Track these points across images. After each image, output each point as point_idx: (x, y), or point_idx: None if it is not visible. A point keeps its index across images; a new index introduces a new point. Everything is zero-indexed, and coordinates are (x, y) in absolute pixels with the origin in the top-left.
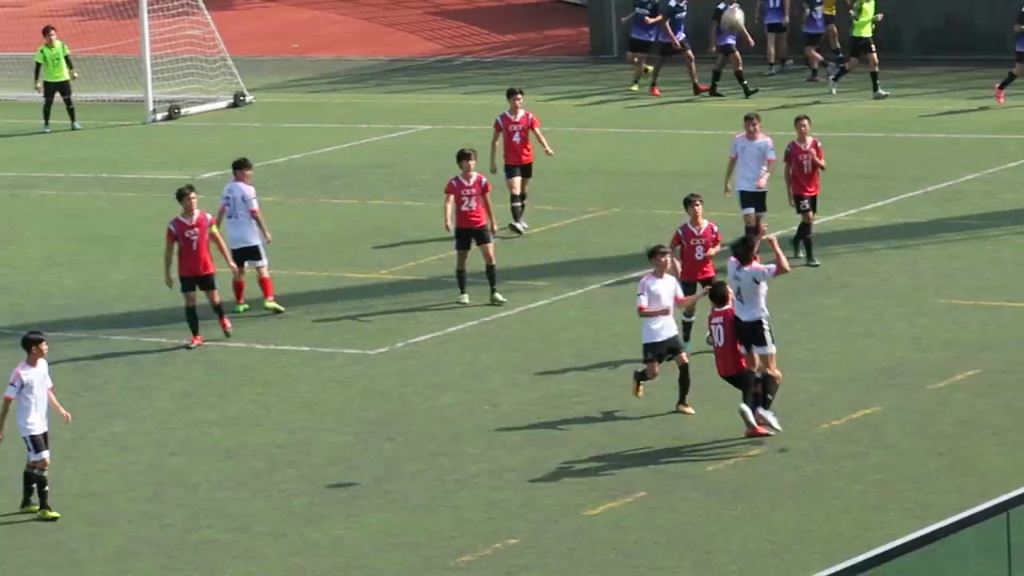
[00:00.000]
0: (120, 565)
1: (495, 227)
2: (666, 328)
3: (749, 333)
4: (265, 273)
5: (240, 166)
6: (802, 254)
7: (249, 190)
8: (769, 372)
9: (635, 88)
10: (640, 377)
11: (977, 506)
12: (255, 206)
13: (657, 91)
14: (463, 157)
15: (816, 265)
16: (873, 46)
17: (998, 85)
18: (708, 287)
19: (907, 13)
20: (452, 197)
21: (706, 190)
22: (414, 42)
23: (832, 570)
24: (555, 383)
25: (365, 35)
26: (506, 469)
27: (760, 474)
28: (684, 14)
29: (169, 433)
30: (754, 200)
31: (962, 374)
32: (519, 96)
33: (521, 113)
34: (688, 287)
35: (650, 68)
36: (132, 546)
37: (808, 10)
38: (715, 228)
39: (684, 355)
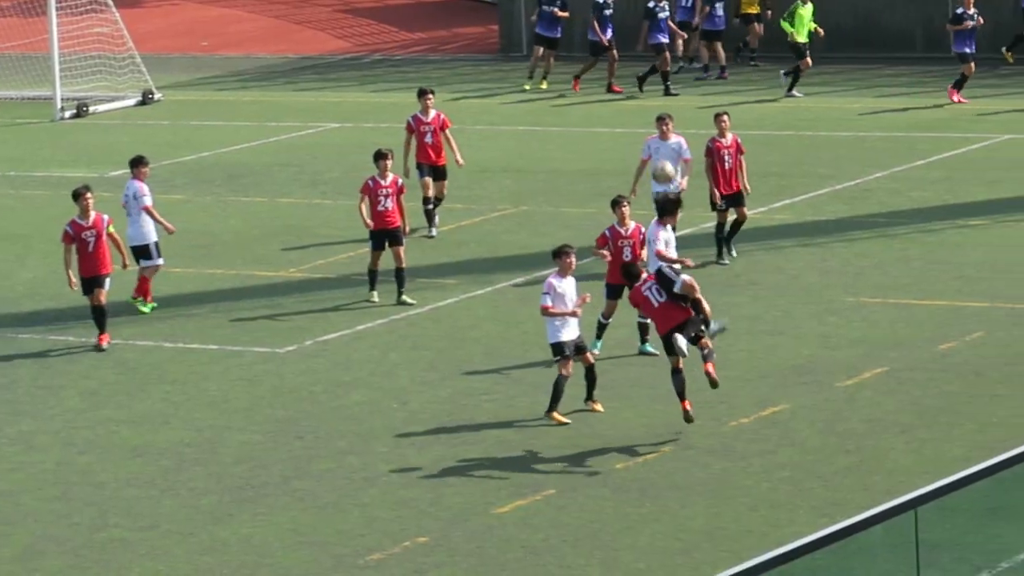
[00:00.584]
0: (28, 564)
1: (407, 229)
2: (571, 327)
3: (662, 283)
4: (147, 273)
5: (135, 164)
6: (735, 252)
7: (141, 187)
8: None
9: (544, 86)
10: (552, 408)
11: (885, 503)
12: (146, 203)
13: (578, 86)
14: (380, 157)
15: (724, 264)
16: (807, 51)
17: (951, 86)
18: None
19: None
20: (367, 197)
21: (617, 188)
22: (323, 40)
23: (741, 567)
24: (464, 381)
25: (274, 33)
26: (415, 467)
27: (668, 472)
28: (611, 11)
29: (77, 432)
30: None
31: (870, 372)
32: (430, 96)
33: (432, 113)
34: (616, 290)
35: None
36: (40, 545)
37: (708, 7)
38: (643, 229)
39: (590, 355)
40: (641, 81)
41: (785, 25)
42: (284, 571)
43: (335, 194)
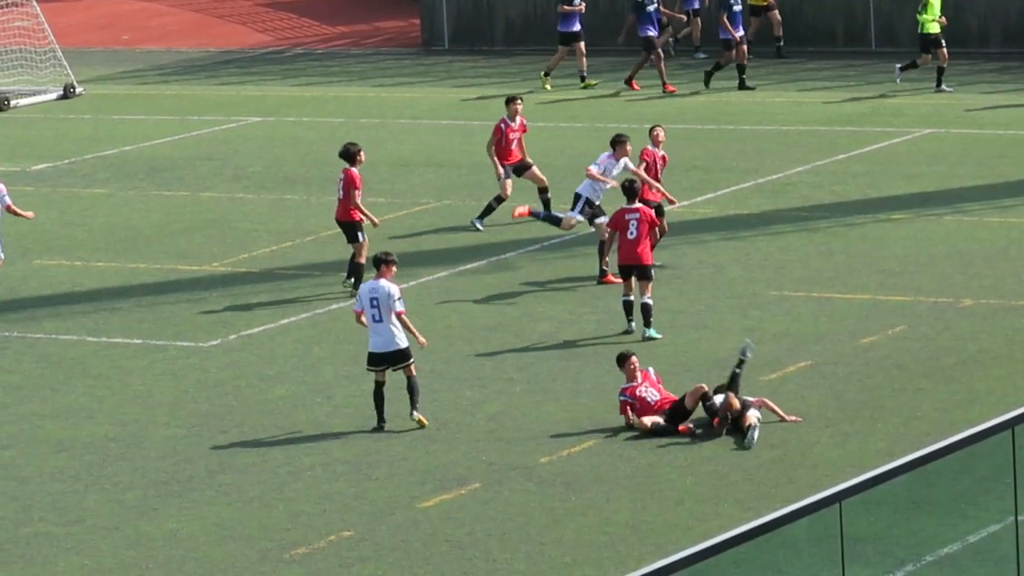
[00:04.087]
0: None
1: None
2: (385, 337)
3: None
4: None
5: None
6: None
7: None
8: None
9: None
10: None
11: (809, 497)
12: None
13: (636, 86)
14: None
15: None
16: (943, 41)
17: None
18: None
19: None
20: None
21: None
22: (245, 34)
23: (666, 561)
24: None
25: (195, 26)
26: (339, 461)
27: (593, 466)
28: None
29: (0, 426)
30: None
31: (794, 366)
32: (519, 102)
33: (519, 120)
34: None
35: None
36: None
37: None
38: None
39: (412, 367)
40: (708, 77)
41: (921, 17)
42: (210, 565)
43: (257, 188)
